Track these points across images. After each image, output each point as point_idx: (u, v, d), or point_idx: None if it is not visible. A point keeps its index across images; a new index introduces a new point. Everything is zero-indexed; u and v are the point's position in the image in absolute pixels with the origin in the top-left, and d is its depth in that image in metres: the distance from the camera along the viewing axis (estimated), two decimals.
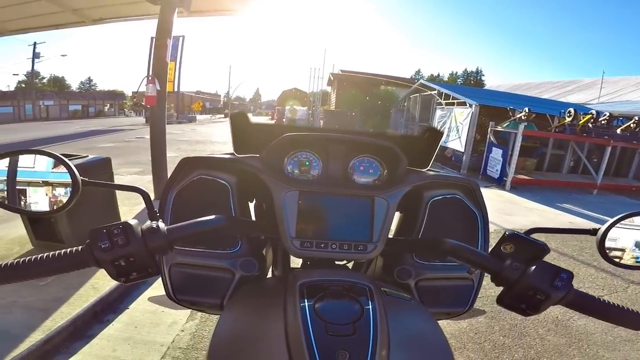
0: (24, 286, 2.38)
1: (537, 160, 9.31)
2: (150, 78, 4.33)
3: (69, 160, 0.59)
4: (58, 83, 53.41)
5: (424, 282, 0.79)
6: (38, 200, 0.63)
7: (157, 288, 2.60)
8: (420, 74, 64.05)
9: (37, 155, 0.62)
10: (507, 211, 5.82)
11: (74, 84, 59.84)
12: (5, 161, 0.60)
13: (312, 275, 0.59)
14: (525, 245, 0.58)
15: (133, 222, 0.52)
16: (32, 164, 0.63)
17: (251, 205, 0.91)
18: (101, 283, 2.53)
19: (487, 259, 0.59)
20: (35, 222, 2.83)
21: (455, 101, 10.59)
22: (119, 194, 3.44)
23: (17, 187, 0.62)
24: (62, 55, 38.61)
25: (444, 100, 11.32)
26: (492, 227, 0.78)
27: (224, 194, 0.77)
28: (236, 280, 0.74)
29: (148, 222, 0.55)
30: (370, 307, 0.51)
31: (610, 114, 8.28)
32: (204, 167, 0.77)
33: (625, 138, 8.11)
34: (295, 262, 0.90)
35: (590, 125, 7.93)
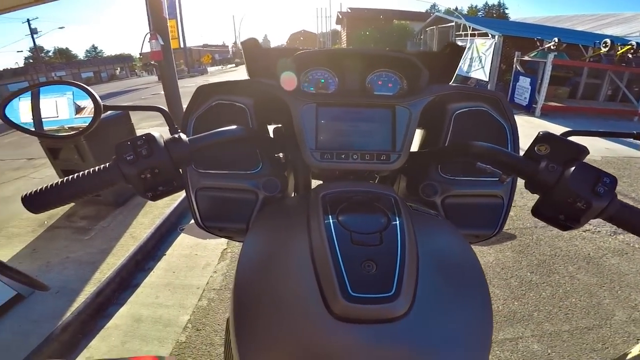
0: (73, 242, 2.63)
1: (570, 89, 8.79)
2: (151, 35, 4.28)
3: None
4: (64, 54, 53.28)
5: (450, 200, 0.76)
6: (63, 124, 0.67)
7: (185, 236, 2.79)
8: (436, 7, 59.10)
9: (59, 86, 0.65)
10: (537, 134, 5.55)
11: (79, 53, 59.72)
12: (28, 94, 0.63)
13: (334, 187, 0.57)
14: (562, 146, 0.53)
15: (156, 133, 0.52)
16: (55, 94, 0.66)
17: (270, 129, 0.91)
18: (138, 232, 2.72)
19: (520, 161, 0.55)
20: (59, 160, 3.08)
21: (477, 32, 10.06)
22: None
23: (42, 116, 0.65)
24: (60, 28, 38.22)
25: (463, 32, 10.80)
26: (522, 153, 0.76)
27: (243, 116, 0.77)
28: (260, 201, 0.75)
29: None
30: (397, 217, 0.49)
31: None
32: (220, 92, 0.77)
33: None
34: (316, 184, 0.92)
35: (630, 56, 7.39)
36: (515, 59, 8.11)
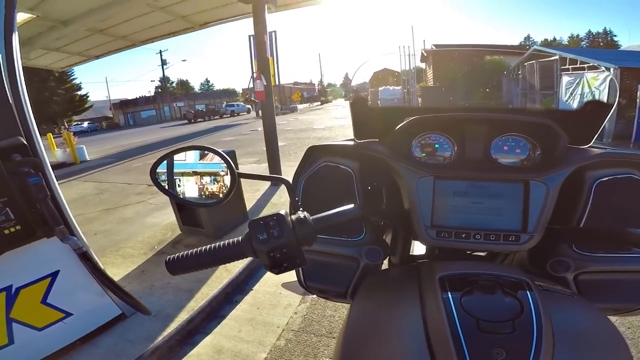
0: None
1: None
2: (256, 74, 4.71)
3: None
4: (184, 85, 61.50)
5: (585, 276, 0.66)
6: (207, 193, 0.76)
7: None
8: (530, 39, 54.44)
9: (197, 151, 0.75)
10: None
11: (195, 85, 68.00)
12: (180, 157, 0.74)
13: (452, 268, 0.52)
14: None
15: (283, 212, 0.55)
16: (202, 161, 0.76)
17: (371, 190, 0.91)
18: (231, 265, 2.84)
19: None
20: (181, 210, 3.46)
21: (585, 65, 8.99)
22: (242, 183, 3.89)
23: (188, 183, 0.76)
24: (183, 60, 45.60)
25: (570, 65, 9.79)
26: None
27: (349, 180, 0.76)
28: (361, 268, 0.74)
29: (295, 213, 0.57)
30: (531, 302, 0.45)
31: None
32: (328, 155, 0.77)
33: None
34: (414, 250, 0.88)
35: None
36: (638, 92, 7.17)
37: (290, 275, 0.83)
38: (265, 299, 2.59)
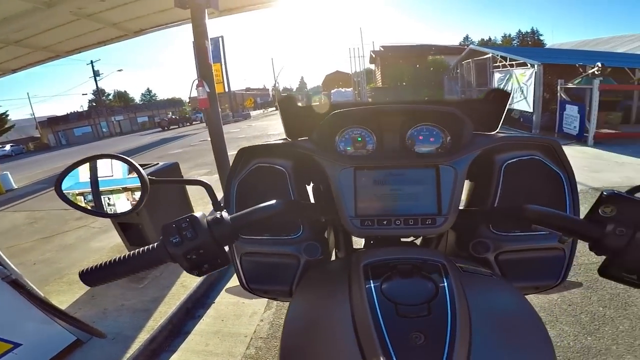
0: (128, 290, 2.77)
1: (622, 114, 8.35)
2: (198, 81, 4.49)
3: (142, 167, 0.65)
4: (122, 97, 57.18)
5: (504, 255, 0.71)
6: (119, 202, 0.70)
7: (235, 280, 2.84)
8: (469, 39, 58.72)
9: (113, 161, 0.68)
10: (593, 168, 5.14)
11: (136, 96, 63.46)
12: (86, 168, 0.67)
13: (375, 255, 0.55)
14: (630, 206, 0.48)
15: (199, 214, 0.54)
16: (110, 172, 0.69)
17: (309, 189, 0.90)
18: (189, 281, 2.81)
19: (583, 225, 0.50)
20: (126, 229, 3.23)
21: (514, 62, 9.92)
22: (193, 195, 3.69)
23: (100, 193, 0.69)
24: (119, 70, 42.42)
25: (500, 62, 10.73)
26: (578, 188, 0.68)
27: (282, 179, 0.77)
28: (302, 265, 0.74)
29: (213, 214, 0.56)
30: (446, 284, 0.46)
31: None
32: (260, 155, 0.78)
33: None
34: (359, 243, 0.88)
35: None
36: (558, 87, 7.87)
37: (235, 281, 0.81)
38: (229, 310, 2.52)
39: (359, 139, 0.73)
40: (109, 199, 0.70)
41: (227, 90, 26.58)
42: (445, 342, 0.39)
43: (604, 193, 0.50)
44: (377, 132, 0.73)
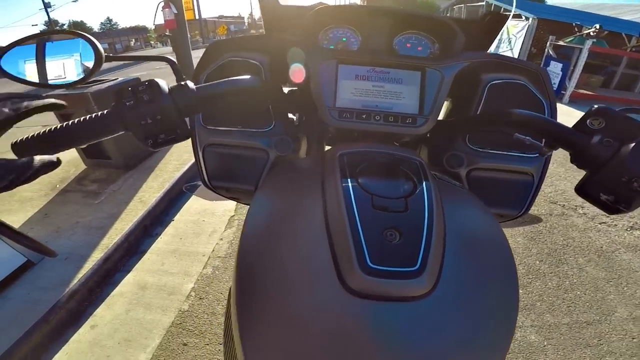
0: (83, 206, 2.70)
1: (604, 78, 8.39)
2: (164, 3, 4.27)
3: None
4: (79, 28, 53.70)
5: (476, 173, 0.71)
6: (64, 74, 0.64)
7: (195, 199, 2.81)
8: None
9: (63, 37, 0.63)
10: (563, 122, 5.34)
11: (94, 26, 59.61)
12: (33, 46, 0.61)
13: (353, 147, 0.53)
14: (619, 122, 0.46)
15: (161, 80, 0.48)
16: (60, 47, 0.64)
17: (285, 90, 0.87)
18: (147, 196, 2.74)
19: (569, 132, 0.49)
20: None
21: (508, 14, 9.54)
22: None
23: (46, 66, 0.63)
24: (74, 1, 38.20)
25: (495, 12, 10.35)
26: None
27: (257, 74, 0.71)
28: (270, 160, 0.71)
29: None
30: (424, 184, 0.45)
31: None
32: (233, 49, 0.71)
33: None
34: None
35: None
36: (548, 43, 7.75)
37: (196, 179, 0.75)
38: (188, 228, 2.50)
39: (344, 39, 0.71)
40: (56, 70, 0.64)
41: (197, 17, 25.36)
42: (420, 246, 0.37)
43: (594, 106, 0.48)
44: (363, 34, 0.71)
